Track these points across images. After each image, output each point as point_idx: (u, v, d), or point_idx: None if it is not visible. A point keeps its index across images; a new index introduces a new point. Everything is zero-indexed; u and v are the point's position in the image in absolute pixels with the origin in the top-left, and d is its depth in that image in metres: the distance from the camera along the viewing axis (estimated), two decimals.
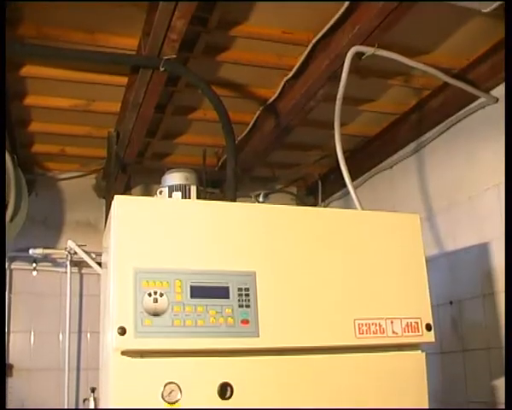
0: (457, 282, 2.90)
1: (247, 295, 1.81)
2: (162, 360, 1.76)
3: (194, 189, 2.19)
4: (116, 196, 1.85)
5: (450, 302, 2.92)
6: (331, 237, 2.00)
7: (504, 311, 1.99)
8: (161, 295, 1.74)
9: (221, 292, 1.80)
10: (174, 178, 2.22)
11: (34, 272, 3.85)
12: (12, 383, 3.75)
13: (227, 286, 1.81)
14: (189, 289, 1.77)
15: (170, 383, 1.75)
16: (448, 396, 2.91)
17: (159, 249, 1.80)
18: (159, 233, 1.82)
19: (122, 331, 1.69)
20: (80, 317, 3.93)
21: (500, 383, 2.61)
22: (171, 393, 1.75)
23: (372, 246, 2.03)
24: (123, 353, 1.74)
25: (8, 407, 3.68)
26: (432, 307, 2.06)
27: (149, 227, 1.81)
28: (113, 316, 1.72)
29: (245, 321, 1.79)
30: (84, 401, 3.33)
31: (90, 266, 3.63)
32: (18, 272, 3.72)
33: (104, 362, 2.04)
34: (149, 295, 1.73)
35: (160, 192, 2.20)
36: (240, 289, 1.81)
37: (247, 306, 1.80)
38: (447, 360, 2.94)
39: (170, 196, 2.19)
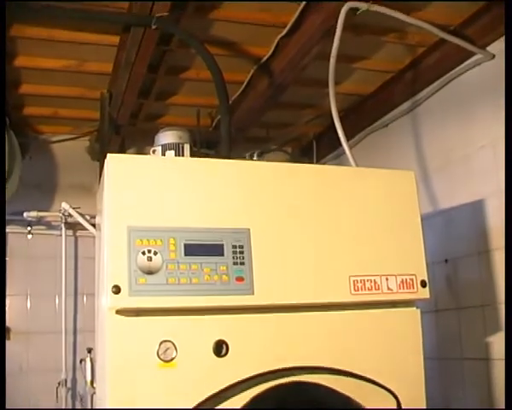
0: (453, 240, 2.90)
1: (242, 252, 1.81)
2: (157, 318, 1.76)
3: (187, 147, 2.18)
4: (109, 155, 1.83)
5: (446, 260, 2.92)
6: (326, 194, 1.99)
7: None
8: (155, 253, 1.74)
9: (215, 250, 1.79)
10: (167, 136, 2.20)
11: (29, 236, 3.84)
12: (9, 347, 3.76)
13: (221, 244, 1.80)
14: (183, 246, 1.77)
15: (165, 341, 1.75)
16: (443, 353, 2.93)
17: (152, 207, 1.79)
18: (152, 191, 1.80)
19: (116, 290, 1.69)
20: (76, 279, 3.94)
21: (494, 339, 2.63)
22: (166, 351, 1.75)
23: (367, 203, 2.03)
24: (118, 312, 1.74)
25: (7, 369, 3.70)
26: (427, 265, 2.06)
27: (143, 185, 1.80)
28: (107, 275, 1.72)
29: (240, 279, 1.79)
30: (81, 361, 3.35)
31: (85, 229, 3.63)
32: (13, 235, 3.71)
33: (100, 323, 2.04)
34: (143, 253, 1.73)
35: (154, 151, 2.19)
36: (234, 247, 1.81)
37: (242, 263, 1.80)
38: (442, 317, 2.95)
39: (163, 154, 2.17)
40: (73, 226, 3.87)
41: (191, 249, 1.77)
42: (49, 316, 3.86)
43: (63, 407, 3.71)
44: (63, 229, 3.76)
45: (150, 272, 1.72)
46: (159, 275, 1.72)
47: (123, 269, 1.71)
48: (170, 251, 1.75)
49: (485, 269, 2.67)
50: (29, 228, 3.83)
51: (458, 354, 2.83)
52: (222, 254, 1.79)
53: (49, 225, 3.89)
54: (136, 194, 1.79)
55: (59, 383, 3.70)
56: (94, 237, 2.90)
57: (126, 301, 1.69)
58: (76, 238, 3.95)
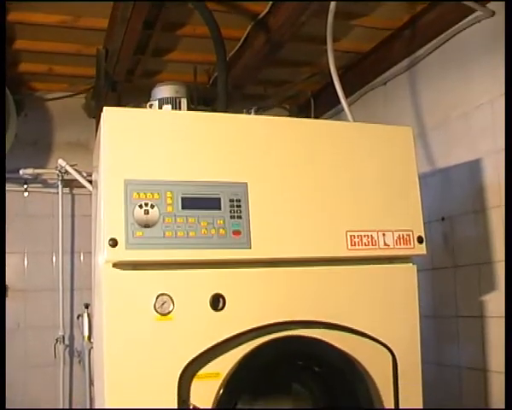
0: (449, 198, 2.90)
1: (239, 206, 1.81)
2: (154, 271, 1.77)
3: (184, 102, 2.16)
4: (105, 108, 1.82)
5: (442, 218, 2.92)
6: (324, 149, 1.98)
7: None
8: (152, 206, 1.74)
9: (212, 203, 1.79)
10: (164, 91, 2.18)
11: (25, 194, 3.83)
12: (7, 304, 3.78)
13: (218, 197, 1.80)
14: (180, 200, 1.77)
15: (162, 294, 1.76)
16: (438, 312, 2.95)
17: (149, 161, 1.79)
18: (149, 145, 1.80)
19: (113, 243, 1.69)
20: (73, 237, 3.93)
21: (489, 297, 2.64)
22: (163, 304, 1.76)
23: (365, 158, 2.02)
24: (115, 265, 1.75)
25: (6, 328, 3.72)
26: (424, 223, 2.06)
27: (140, 139, 1.80)
28: (104, 228, 1.72)
29: (237, 232, 1.79)
30: (78, 317, 3.36)
31: (82, 187, 3.62)
32: (9, 193, 3.67)
33: (96, 279, 2.04)
34: (140, 206, 1.73)
35: (150, 106, 2.17)
36: (231, 201, 1.81)
37: (239, 217, 1.80)
38: (438, 275, 2.96)
39: (160, 109, 2.15)
40: (70, 184, 3.85)
41: (188, 203, 1.77)
42: (46, 274, 3.87)
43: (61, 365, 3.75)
44: (60, 187, 3.75)
45: (147, 226, 1.72)
46: (156, 228, 1.73)
47: (120, 222, 1.71)
48: (167, 204, 1.75)
49: (482, 227, 2.67)
50: (25, 186, 3.81)
51: (453, 312, 2.85)
52: (219, 208, 1.79)
53: (46, 183, 3.87)
54: (133, 147, 1.78)
55: (56, 340, 3.73)
56: (90, 194, 2.89)
57: (123, 254, 1.70)
58: (73, 196, 3.93)
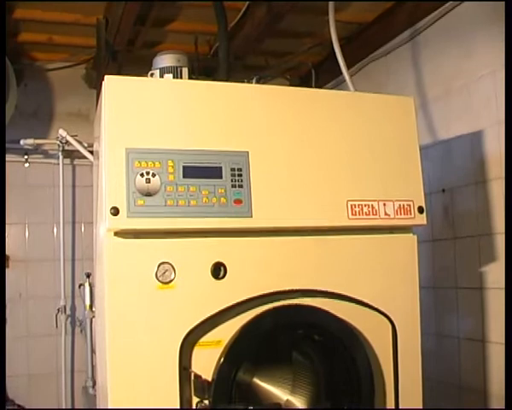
0: (450, 170, 2.90)
1: (240, 175, 1.81)
2: (156, 240, 1.78)
3: (185, 71, 2.15)
4: (107, 77, 1.81)
5: (443, 190, 2.92)
6: (325, 118, 1.98)
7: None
8: (154, 175, 1.74)
9: (214, 172, 1.79)
10: (165, 60, 2.17)
11: (26, 165, 3.83)
12: (8, 275, 3.79)
13: (220, 166, 1.80)
14: (181, 169, 1.77)
15: (163, 263, 1.77)
16: (438, 283, 2.96)
17: (151, 129, 1.78)
18: (151, 113, 1.80)
19: (115, 212, 1.69)
20: (74, 208, 3.94)
21: (489, 269, 2.65)
22: (164, 273, 1.77)
23: (366, 128, 2.02)
24: (116, 234, 1.75)
25: (7, 297, 3.75)
26: (424, 195, 2.07)
27: (141, 107, 1.79)
28: (105, 196, 1.72)
29: (238, 201, 1.79)
30: (80, 286, 3.37)
31: (83, 157, 3.61)
32: (10, 164, 3.66)
33: (98, 250, 2.05)
34: (142, 175, 1.73)
35: (151, 75, 2.16)
36: (233, 170, 1.81)
37: (240, 186, 1.80)
38: (438, 247, 2.97)
39: (161, 78, 2.14)
40: (71, 155, 3.85)
41: (190, 172, 1.77)
42: (48, 244, 3.89)
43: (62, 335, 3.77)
44: (60, 157, 3.74)
45: (149, 194, 1.72)
46: (157, 197, 1.73)
47: (121, 191, 1.71)
48: (168, 173, 1.75)
49: (482, 199, 2.68)
50: (26, 157, 3.81)
51: (453, 284, 2.86)
52: (220, 177, 1.79)
53: (47, 154, 3.86)
54: (135, 116, 1.78)
55: (58, 310, 3.75)
56: (91, 165, 2.89)
57: (125, 222, 1.70)
58: (73, 167, 3.93)
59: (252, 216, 1.80)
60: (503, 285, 2.20)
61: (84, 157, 3.54)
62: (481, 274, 2.69)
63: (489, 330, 2.66)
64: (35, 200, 3.87)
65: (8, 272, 3.80)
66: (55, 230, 3.90)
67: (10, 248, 3.82)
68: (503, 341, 2.41)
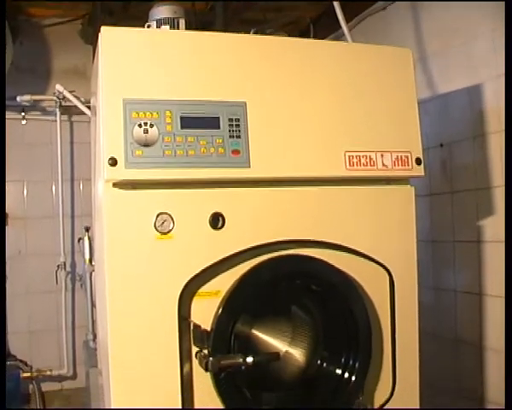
0: (448, 124, 2.89)
1: (238, 125, 1.80)
2: (154, 191, 1.78)
3: (182, 22, 2.13)
4: (103, 28, 1.80)
5: (441, 145, 2.92)
6: (323, 69, 1.96)
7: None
8: (151, 125, 1.73)
9: (211, 123, 1.79)
10: (162, 11, 2.15)
11: (23, 122, 3.81)
12: (8, 232, 3.81)
13: (217, 117, 1.79)
14: (179, 119, 1.76)
15: (162, 213, 1.77)
16: (435, 237, 2.98)
17: (148, 80, 1.77)
18: (148, 64, 1.78)
19: (113, 162, 1.69)
20: (72, 165, 3.94)
21: (486, 222, 2.66)
22: (163, 223, 1.78)
23: (364, 79, 2.01)
24: (114, 185, 1.75)
25: (7, 255, 3.76)
26: (422, 150, 2.06)
27: (138, 58, 1.77)
28: (103, 147, 1.71)
29: (236, 151, 1.79)
30: (79, 240, 3.38)
31: (80, 114, 3.59)
32: (7, 121, 3.65)
33: (97, 205, 2.06)
34: (139, 125, 1.72)
35: (148, 26, 2.15)
36: (230, 120, 1.80)
37: (238, 136, 1.80)
38: (436, 201, 2.98)
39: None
40: (68, 111, 3.84)
41: (187, 122, 1.76)
42: (46, 202, 3.90)
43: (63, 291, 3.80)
44: (58, 113, 3.73)
45: (146, 145, 1.72)
46: (155, 147, 1.73)
47: (119, 141, 1.70)
48: (166, 124, 1.75)
49: (481, 153, 2.68)
50: (23, 114, 3.80)
51: (450, 237, 2.88)
52: (218, 128, 1.79)
53: (44, 111, 3.85)
54: (132, 67, 1.76)
55: (58, 267, 3.77)
56: (89, 121, 2.88)
57: (123, 173, 1.70)
58: (71, 124, 3.92)
59: (250, 166, 1.80)
60: (502, 238, 2.21)
61: (82, 113, 3.52)
62: (479, 228, 2.70)
63: (486, 284, 2.68)
64: (33, 157, 3.87)
65: (7, 229, 3.81)
66: (53, 187, 3.90)
67: (9, 205, 3.84)
68: (501, 294, 2.44)
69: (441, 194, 2.93)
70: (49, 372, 3.82)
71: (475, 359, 2.73)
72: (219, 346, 1.80)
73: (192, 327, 1.81)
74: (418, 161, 2.03)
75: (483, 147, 2.66)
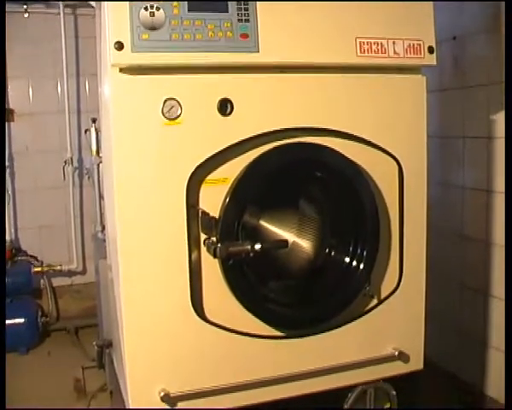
0: (462, 16, 2.81)
1: (247, 9, 1.76)
2: (161, 76, 1.75)
3: None
4: None
5: (454, 38, 2.85)
6: None
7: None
8: (158, 8, 1.69)
9: (219, 6, 1.74)
10: None
11: (26, 15, 3.73)
12: (14, 128, 3.80)
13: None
14: (186, 2, 1.71)
15: (169, 99, 1.75)
16: (445, 132, 2.95)
17: None
18: None
19: (119, 46, 1.66)
20: (77, 60, 3.88)
21: (497, 117, 2.62)
22: (171, 109, 1.75)
23: None
24: (121, 70, 1.72)
25: (13, 151, 3.77)
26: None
27: None
28: (109, 31, 1.67)
29: (244, 35, 1.75)
30: (86, 131, 3.36)
31: (84, 7, 3.50)
32: (8, 15, 3.55)
33: (103, 100, 2.03)
34: (146, 8, 1.68)
35: None
36: (239, 3, 1.75)
37: (247, 20, 1.75)
38: (447, 97, 2.93)
39: None
40: (72, 4, 3.75)
41: (195, 5, 1.72)
42: (52, 97, 3.87)
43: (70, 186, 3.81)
44: (61, 5, 3.64)
45: (153, 28, 1.68)
46: (162, 31, 1.69)
47: (125, 25, 1.67)
48: (173, 6, 1.70)
49: (494, 47, 2.61)
50: (25, 6, 3.70)
51: (460, 133, 2.85)
52: (226, 11, 1.74)
53: (47, 4, 3.76)
54: None
55: (65, 162, 3.77)
56: (94, 15, 2.82)
57: (129, 57, 1.67)
58: (75, 17, 3.84)
59: (258, 51, 1.76)
60: None
61: (86, 5, 3.42)
62: (490, 123, 2.66)
63: (494, 180, 2.66)
64: (37, 53, 3.80)
65: (13, 125, 3.81)
66: (58, 83, 3.85)
67: (14, 101, 3.81)
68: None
69: (452, 89, 2.88)
70: (59, 267, 3.88)
71: (479, 255, 2.75)
72: (227, 234, 1.81)
73: (200, 214, 1.82)
74: (431, 50, 1.99)
75: (498, 41, 2.59)
